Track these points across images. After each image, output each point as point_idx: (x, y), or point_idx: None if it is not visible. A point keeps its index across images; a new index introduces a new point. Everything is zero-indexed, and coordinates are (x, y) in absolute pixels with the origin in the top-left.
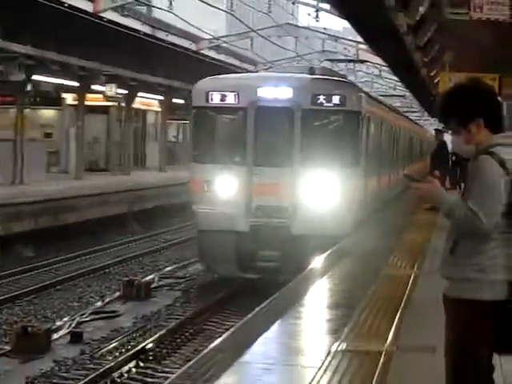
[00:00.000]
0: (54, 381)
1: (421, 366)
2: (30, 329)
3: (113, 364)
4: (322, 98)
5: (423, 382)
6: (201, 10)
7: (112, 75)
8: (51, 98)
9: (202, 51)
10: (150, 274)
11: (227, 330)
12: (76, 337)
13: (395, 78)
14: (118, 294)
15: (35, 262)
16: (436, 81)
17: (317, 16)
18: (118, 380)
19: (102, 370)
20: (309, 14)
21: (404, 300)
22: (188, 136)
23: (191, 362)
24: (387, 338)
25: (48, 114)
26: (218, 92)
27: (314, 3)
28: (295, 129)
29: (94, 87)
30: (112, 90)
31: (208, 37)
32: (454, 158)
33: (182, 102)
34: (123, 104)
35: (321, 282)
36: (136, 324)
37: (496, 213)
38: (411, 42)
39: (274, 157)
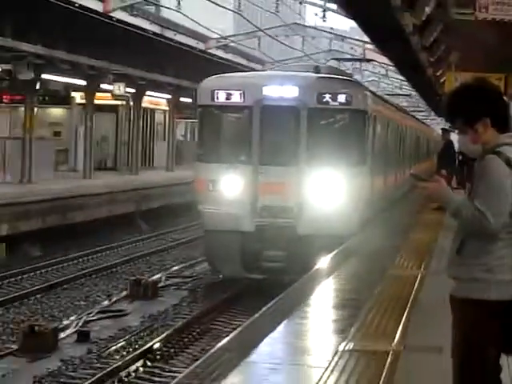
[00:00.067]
0: (62, 380)
1: (428, 366)
2: (37, 328)
3: (120, 363)
4: (327, 96)
5: (430, 382)
6: (209, 10)
7: (121, 74)
8: (60, 97)
9: (209, 50)
10: (157, 274)
11: (234, 329)
12: (83, 336)
13: (401, 77)
14: (125, 293)
15: (42, 261)
16: (442, 80)
17: (324, 16)
18: (126, 379)
19: (109, 370)
20: (316, 14)
21: (411, 300)
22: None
23: (198, 362)
24: (394, 338)
25: (57, 112)
26: (223, 90)
27: (322, 3)
28: (301, 128)
29: (103, 86)
30: (120, 88)
31: (216, 36)
32: (460, 157)
33: (189, 100)
34: (131, 103)
35: (327, 282)
36: (143, 323)
37: (503, 212)
38: (417, 42)
39: (280, 156)
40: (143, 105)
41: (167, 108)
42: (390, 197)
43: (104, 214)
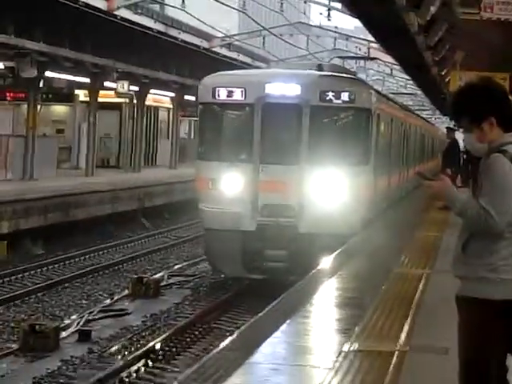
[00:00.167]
0: (62, 380)
1: (433, 366)
2: (37, 327)
3: (121, 363)
4: (330, 94)
5: (436, 383)
6: (214, 9)
7: (124, 72)
8: (63, 95)
9: (214, 49)
10: (160, 272)
11: (237, 328)
12: (84, 335)
13: (406, 76)
14: (126, 291)
15: (43, 259)
16: (447, 79)
17: (329, 15)
18: (127, 380)
19: (110, 370)
20: (321, 13)
21: (416, 299)
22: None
23: (200, 362)
24: (399, 339)
25: (60, 110)
26: (224, 88)
27: (326, 2)
28: (303, 126)
29: (107, 84)
30: (124, 86)
31: (220, 35)
32: (465, 156)
33: (193, 98)
34: (135, 101)
35: (330, 281)
36: (145, 322)
37: (508, 211)
38: (422, 42)
39: (281, 154)
40: (147, 103)
41: (171, 106)
42: (393, 196)
43: (106, 211)
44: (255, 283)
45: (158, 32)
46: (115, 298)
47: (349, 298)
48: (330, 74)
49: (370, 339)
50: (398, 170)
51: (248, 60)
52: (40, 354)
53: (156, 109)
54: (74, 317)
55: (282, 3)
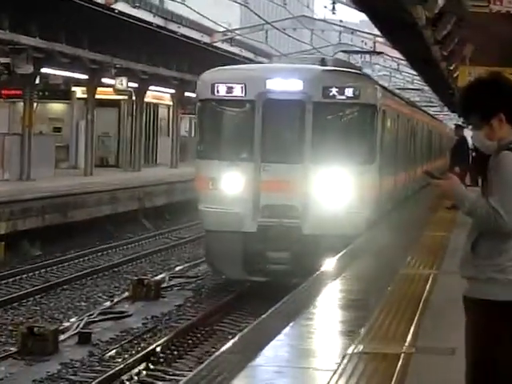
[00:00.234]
0: None
1: (440, 368)
2: (36, 329)
3: (122, 366)
4: (334, 90)
5: None
6: (215, 3)
7: (123, 68)
8: (60, 92)
9: (215, 44)
10: (161, 273)
11: (239, 331)
12: (84, 338)
13: (413, 71)
14: (127, 293)
15: (42, 260)
16: (455, 75)
17: (333, 8)
18: (127, 383)
19: (110, 373)
20: (325, 7)
21: (422, 300)
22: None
23: (203, 365)
24: (405, 340)
25: (57, 107)
26: (224, 84)
27: None
28: (306, 123)
29: (105, 80)
30: (122, 83)
31: (222, 29)
32: (474, 153)
33: (194, 95)
34: (134, 98)
35: (334, 283)
36: (146, 325)
37: None
38: (430, 36)
39: (284, 153)
40: (146, 99)
41: (171, 103)
42: (399, 196)
43: (105, 212)
44: (258, 285)
45: (158, 26)
46: (115, 300)
47: (353, 299)
48: (333, 68)
49: (375, 341)
50: (405, 169)
51: (250, 55)
52: (39, 357)
53: (156, 106)
54: (73, 319)
55: None
